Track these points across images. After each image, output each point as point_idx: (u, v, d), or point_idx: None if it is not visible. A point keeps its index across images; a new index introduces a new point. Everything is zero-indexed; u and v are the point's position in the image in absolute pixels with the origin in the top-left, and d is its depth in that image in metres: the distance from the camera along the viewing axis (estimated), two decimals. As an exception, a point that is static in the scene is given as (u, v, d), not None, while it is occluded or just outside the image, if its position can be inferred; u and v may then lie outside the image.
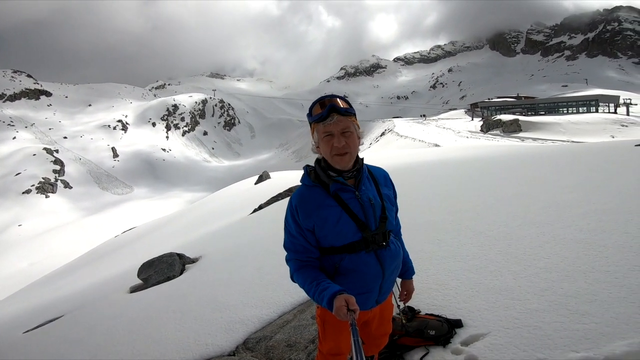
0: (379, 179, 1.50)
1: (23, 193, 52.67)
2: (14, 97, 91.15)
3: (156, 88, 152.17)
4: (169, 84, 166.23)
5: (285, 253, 1.44)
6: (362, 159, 1.44)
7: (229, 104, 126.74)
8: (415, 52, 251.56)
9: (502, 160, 7.59)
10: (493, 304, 2.04)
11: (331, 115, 1.31)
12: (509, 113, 45.94)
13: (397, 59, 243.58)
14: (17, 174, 56.76)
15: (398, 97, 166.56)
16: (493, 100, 66.19)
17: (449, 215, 3.85)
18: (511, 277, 2.29)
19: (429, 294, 2.30)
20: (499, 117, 40.73)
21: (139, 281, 5.39)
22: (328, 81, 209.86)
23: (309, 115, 1.38)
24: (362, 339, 1.56)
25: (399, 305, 2.07)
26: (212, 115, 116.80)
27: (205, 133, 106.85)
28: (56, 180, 58.92)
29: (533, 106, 52.21)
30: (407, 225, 3.70)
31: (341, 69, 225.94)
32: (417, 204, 4.68)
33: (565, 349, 1.59)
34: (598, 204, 3.16)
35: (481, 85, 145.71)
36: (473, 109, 61.80)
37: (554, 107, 50.22)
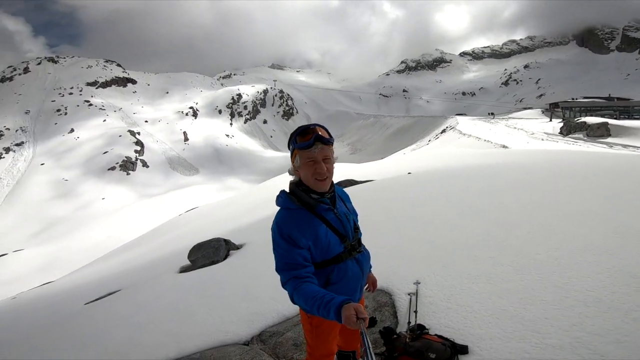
0: (343, 197, 1.71)
1: (108, 170, 60.45)
2: (105, 84, 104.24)
3: (223, 77, 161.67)
4: (234, 74, 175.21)
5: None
6: (333, 182, 1.60)
7: (288, 95, 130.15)
8: (485, 47, 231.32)
9: (578, 169, 6.70)
10: (509, 334, 1.93)
11: (315, 144, 1.43)
12: (597, 115, 40.25)
13: (463, 54, 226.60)
14: (104, 153, 65.23)
15: (463, 94, 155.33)
16: (578, 100, 58.50)
17: (496, 230, 3.57)
18: (542, 307, 2.12)
19: (447, 314, 2.21)
20: (583, 119, 35.92)
21: (188, 262, 5.88)
22: (387, 74, 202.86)
23: (294, 142, 1.48)
24: (340, 337, 1.73)
25: (409, 322, 2.02)
26: (272, 105, 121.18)
27: (265, 121, 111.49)
28: (136, 159, 66.44)
29: (627, 109, 45.17)
30: (447, 239, 3.52)
31: (401, 62, 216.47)
32: (465, 212, 4.39)
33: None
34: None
35: (563, 83, 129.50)
36: (552, 109, 55.35)
37: (653, 110, 42.90)
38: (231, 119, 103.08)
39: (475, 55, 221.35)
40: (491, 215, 4.06)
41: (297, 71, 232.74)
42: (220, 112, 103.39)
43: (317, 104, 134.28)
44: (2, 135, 71.15)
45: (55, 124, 78.60)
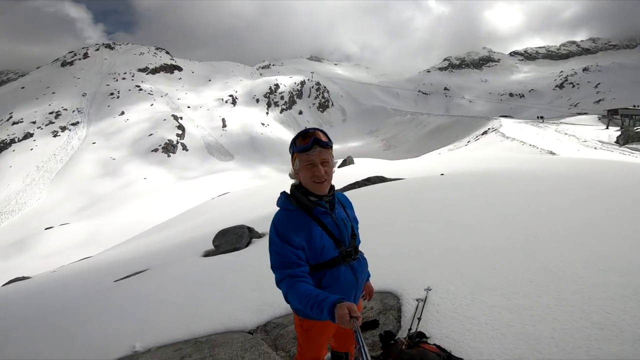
0: (345, 203, 1.70)
1: (152, 151, 64.10)
2: (154, 71, 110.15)
3: (262, 67, 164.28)
4: (273, 64, 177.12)
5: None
6: (334, 186, 1.61)
7: (325, 87, 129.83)
8: (539, 47, 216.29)
9: (631, 183, 6.10)
10: (509, 351, 1.88)
11: (314, 147, 1.45)
12: (661, 124, 36.36)
13: (514, 53, 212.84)
14: (149, 135, 69.19)
15: (511, 95, 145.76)
16: (640, 107, 53.05)
17: (524, 241, 3.39)
18: (551, 326, 2.02)
19: (451, 324, 2.15)
20: (643, 128, 32.71)
21: (213, 247, 6.10)
22: (428, 71, 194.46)
23: (293, 145, 1.52)
24: (333, 339, 1.81)
25: (410, 328, 1.98)
26: (309, 96, 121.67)
27: (300, 112, 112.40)
28: (177, 143, 69.89)
29: (698, 119, 40.31)
30: (470, 246, 3.37)
31: (444, 59, 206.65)
32: (495, 220, 4.18)
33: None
34: None
35: (626, 89, 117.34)
36: (610, 116, 50.72)
37: None
38: (267, 109, 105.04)
39: (528, 56, 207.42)
40: (521, 226, 3.84)
41: (335, 64, 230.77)
42: (257, 101, 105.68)
43: (354, 98, 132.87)
44: (60, 115, 77.69)
45: (108, 106, 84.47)
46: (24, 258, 26.72)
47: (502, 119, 57.48)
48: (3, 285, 11.44)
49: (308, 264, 1.49)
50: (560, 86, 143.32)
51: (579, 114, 72.80)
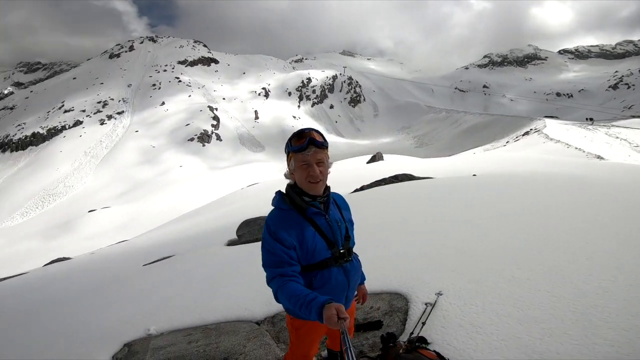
0: (341, 204, 1.70)
1: (188, 140, 66.87)
2: (193, 63, 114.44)
3: (295, 61, 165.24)
4: (305, 58, 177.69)
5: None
6: (329, 187, 1.61)
7: (357, 82, 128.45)
8: (592, 46, 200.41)
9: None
10: None
11: (309, 147, 1.46)
12: None
13: (563, 51, 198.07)
14: (187, 125, 72.17)
15: (558, 94, 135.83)
16: None
17: (550, 251, 3.17)
18: (560, 340, 1.93)
19: (455, 331, 2.09)
20: None
21: (236, 236, 6.29)
22: (467, 68, 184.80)
23: (289, 145, 1.52)
24: (329, 338, 1.89)
25: (412, 332, 1.94)
26: (340, 91, 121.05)
27: (331, 106, 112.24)
28: (212, 133, 72.40)
29: None
30: (489, 252, 3.21)
31: (484, 56, 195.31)
32: (522, 227, 3.93)
33: None
34: None
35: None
36: (668, 119, 46.16)
37: None
38: (299, 102, 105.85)
39: (579, 54, 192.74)
40: (550, 235, 3.59)
41: (368, 59, 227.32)
42: (289, 94, 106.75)
43: (386, 93, 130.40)
44: (107, 104, 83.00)
45: (150, 97, 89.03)
46: (67, 239, 28.89)
47: (547, 120, 54.16)
48: (44, 265, 12.47)
49: (300, 264, 1.49)
50: (614, 87, 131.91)
51: (633, 116, 66.71)
